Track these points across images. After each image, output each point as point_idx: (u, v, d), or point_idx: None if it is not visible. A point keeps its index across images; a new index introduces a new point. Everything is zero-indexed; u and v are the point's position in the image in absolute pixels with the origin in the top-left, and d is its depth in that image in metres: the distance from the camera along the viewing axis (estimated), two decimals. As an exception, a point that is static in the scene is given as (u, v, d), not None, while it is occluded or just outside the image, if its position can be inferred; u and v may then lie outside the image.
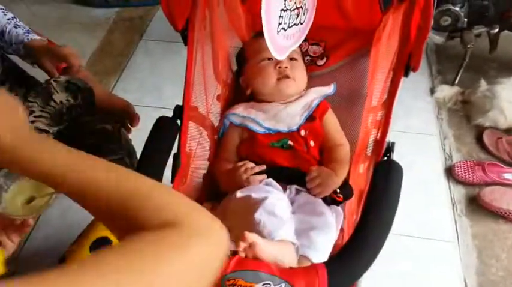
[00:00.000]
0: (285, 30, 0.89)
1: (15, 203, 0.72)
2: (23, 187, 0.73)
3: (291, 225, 0.85)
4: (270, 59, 1.10)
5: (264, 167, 0.99)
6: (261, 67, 1.11)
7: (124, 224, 0.46)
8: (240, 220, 0.86)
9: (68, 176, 0.50)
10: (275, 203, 0.86)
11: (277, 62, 1.09)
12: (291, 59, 1.11)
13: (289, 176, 1.00)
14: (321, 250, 0.85)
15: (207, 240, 0.44)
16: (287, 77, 1.09)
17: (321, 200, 0.96)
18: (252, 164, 0.99)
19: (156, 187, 0.49)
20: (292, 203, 0.97)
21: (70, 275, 0.35)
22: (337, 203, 0.98)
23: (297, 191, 0.99)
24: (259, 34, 1.17)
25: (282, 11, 0.84)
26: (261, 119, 1.06)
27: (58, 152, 0.52)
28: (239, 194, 0.91)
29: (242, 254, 0.70)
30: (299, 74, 1.12)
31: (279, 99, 1.10)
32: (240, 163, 0.99)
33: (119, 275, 0.36)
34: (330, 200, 0.97)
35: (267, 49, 1.02)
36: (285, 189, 0.99)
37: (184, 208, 0.47)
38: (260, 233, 0.77)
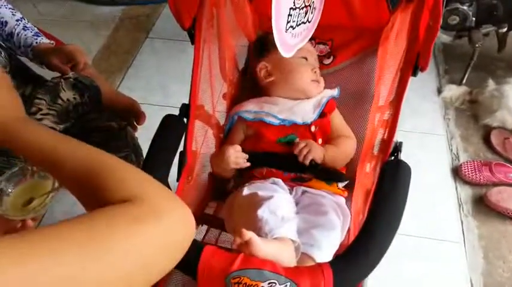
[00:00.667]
0: (293, 29, 0.89)
1: (15, 206, 0.73)
2: (24, 189, 0.74)
3: (293, 224, 0.84)
4: (306, 58, 1.12)
5: (246, 156, 1.00)
6: (299, 63, 1.11)
7: (90, 194, 0.48)
8: (244, 216, 0.86)
9: (46, 148, 0.54)
10: (279, 202, 0.86)
11: (314, 67, 1.12)
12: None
13: (287, 164, 1.01)
14: (324, 249, 0.84)
15: (167, 218, 0.44)
16: (318, 81, 1.12)
17: (325, 201, 0.96)
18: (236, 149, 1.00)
19: (124, 163, 0.51)
20: (297, 204, 0.97)
21: (23, 242, 0.36)
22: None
23: (303, 192, 0.99)
24: None
25: (291, 10, 0.83)
26: (275, 112, 1.06)
27: (41, 130, 0.58)
28: (246, 191, 0.92)
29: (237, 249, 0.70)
30: (321, 79, 1.15)
31: (297, 97, 1.11)
32: (225, 149, 1.00)
33: (71, 247, 0.37)
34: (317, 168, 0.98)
35: (303, 48, 1.04)
36: (291, 190, 0.99)
37: (148, 185, 0.48)
38: (261, 230, 0.77)
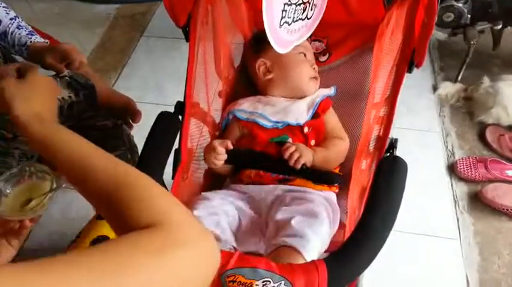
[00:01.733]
0: (289, 25, 0.88)
1: (14, 207, 0.73)
2: (22, 190, 0.75)
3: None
4: (304, 55, 1.12)
5: (225, 156, 0.99)
6: (299, 61, 1.11)
7: (116, 212, 0.47)
8: None
9: (76, 158, 0.54)
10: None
11: (312, 63, 1.12)
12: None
13: (277, 166, 1.00)
14: (305, 238, 0.80)
15: (191, 250, 0.42)
16: (316, 77, 1.12)
17: (310, 196, 0.94)
18: (221, 151, 0.98)
19: (153, 183, 0.50)
20: (276, 200, 0.96)
21: (39, 266, 0.35)
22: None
23: (286, 191, 0.98)
24: None
25: (286, 5, 0.83)
26: (268, 114, 1.06)
27: (73, 138, 0.59)
28: (196, 213, 0.90)
29: None
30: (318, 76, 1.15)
31: (293, 95, 1.10)
32: (215, 145, 0.98)
33: (87, 277, 0.35)
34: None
35: (303, 45, 1.06)
36: (274, 188, 0.99)
37: (175, 211, 0.46)
38: None
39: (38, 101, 0.64)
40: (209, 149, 0.99)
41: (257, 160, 1.01)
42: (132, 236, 0.42)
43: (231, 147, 0.98)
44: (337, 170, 1.06)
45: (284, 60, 1.10)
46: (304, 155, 0.95)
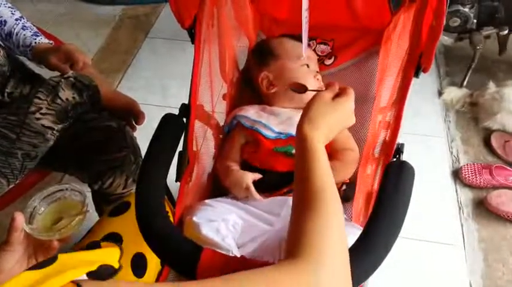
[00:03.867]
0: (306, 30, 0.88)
1: (44, 224, 0.75)
2: (53, 209, 0.76)
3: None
4: (308, 66, 1.10)
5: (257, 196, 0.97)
6: (302, 73, 1.09)
7: (294, 227, 0.51)
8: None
9: None
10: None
11: (315, 73, 1.10)
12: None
13: (286, 181, 0.98)
14: None
15: None
16: (320, 88, 1.09)
17: None
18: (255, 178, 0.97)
19: (336, 226, 0.53)
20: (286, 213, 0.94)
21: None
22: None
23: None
24: (288, 35, 1.16)
25: (306, 11, 0.83)
26: (272, 124, 1.04)
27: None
28: (195, 220, 0.88)
29: None
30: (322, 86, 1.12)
31: (299, 106, 1.06)
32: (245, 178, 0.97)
33: None
34: None
35: (306, 56, 1.05)
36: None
37: (331, 258, 0.48)
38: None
39: (332, 124, 0.69)
40: (240, 185, 0.97)
41: (281, 182, 0.98)
42: (274, 270, 0.44)
43: (259, 177, 0.97)
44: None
45: (287, 73, 1.09)
46: None
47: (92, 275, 0.42)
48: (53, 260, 0.39)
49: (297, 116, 1.05)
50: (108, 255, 0.43)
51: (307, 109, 0.70)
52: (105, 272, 0.43)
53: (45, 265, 0.38)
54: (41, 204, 0.75)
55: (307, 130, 0.66)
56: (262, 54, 1.15)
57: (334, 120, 0.69)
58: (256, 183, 0.96)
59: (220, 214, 0.89)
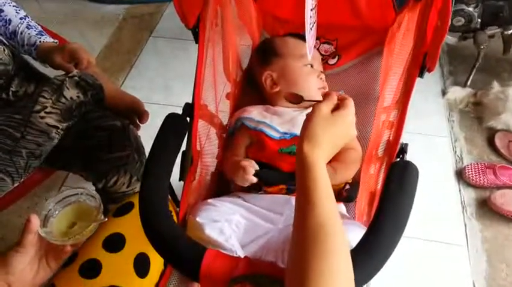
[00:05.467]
0: (311, 30, 0.88)
1: (59, 228, 0.75)
2: (68, 213, 0.76)
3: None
4: (311, 66, 1.10)
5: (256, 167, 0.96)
6: (306, 73, 1.09)
7: (297, 255, 0.52)
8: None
9: None
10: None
11: (319, 73, 1.10)
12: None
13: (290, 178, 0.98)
14: None
15: None
16: (324, 87, 1.10)
17: None
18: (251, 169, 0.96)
19: (341, 254, 0.52)
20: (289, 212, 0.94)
21: None
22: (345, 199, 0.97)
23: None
24: (293, 34, 1.16)
25: (310, 11, 0.83)
26: (276, 124, 1.03)
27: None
28: (198, 220, 0.88)
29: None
30: (326, 85, 1.12)
31: (303, 105, 1.08)
32: (244, 163, 0.96)
33: None
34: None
35: (311, 56, 1.03)
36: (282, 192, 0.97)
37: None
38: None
39: (334, 141, 0.66)
40: (238, 169, 0.95)
41: (284, 179, 0.98)
42: None
43: (257, 168, 0.96)
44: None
45: (290, 73, 1.08)
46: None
47: None
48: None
49: (300, 115, 1.06)
50: None
51: (306, 125, 0.66)
52: None
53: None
54: (55, 207, 0.76)
55: (307, 149, 0.63)
56: (266, 53, 1.15)
57: (335, 136, 0.66)
58: (260, 176, 0.96)
59: (223, 214, 0.88)
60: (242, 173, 0.94)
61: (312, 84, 1.08)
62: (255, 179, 0.94)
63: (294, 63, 1.09)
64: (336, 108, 0.69)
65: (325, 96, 0.70)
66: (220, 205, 0.91)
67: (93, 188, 1.11)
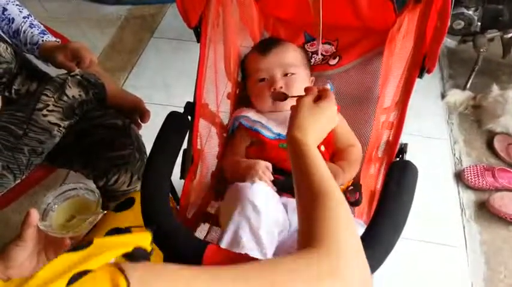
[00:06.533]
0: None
1: (58, 222, 0.75)
2: (67, 207, 0.77)
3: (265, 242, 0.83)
4: (263, 79, 1.10)
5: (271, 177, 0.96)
6: (258, 88, 1.10)
7: (305, 223, 0.54)
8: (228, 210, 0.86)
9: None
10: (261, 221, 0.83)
11: (271, 84, 1.07)
12: (286, 74, 1.09)
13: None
14: None
15: (344, 279, 0.45)
16: (285, 96, 1.04)
17: None
18: (268, 167, 0.96)
19: (344, 216, 0.54)
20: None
21: (209, 273, 0.40)
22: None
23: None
24: (255, 48, 1.17)
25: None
26: (271, 125, 1.05)
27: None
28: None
29: None
30: (298, 86, 1.06)
31: (284, 110, 1.08)
32: (259, 162, 0.97)
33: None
34: None
35: (261, 69, 1.07)
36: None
37: (344, 243, 0.50)
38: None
39: (320, 127, 0.72)
40: (254, 167, 0.96)
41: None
42: (294, 261, 0.46)
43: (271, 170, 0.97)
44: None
45: (249, 91, 1.14)
46: (340, 180, 0.94)
47: (127, 257, 0.43)
48: (88, 244, 0.40)
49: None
50: (141, 238, 0.44)
51: (293, 116, 0.72)
52: (139, 254, 0.44)
53: (81, 248, 0.39)
54: (54, 201, 0.76)
55: (298, 136, 0.68)
56: (242, 71, 1.22)
57: (320, 122, 0.72)
58: (277, 182, 0.96)
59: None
60: (258, 173, 0.95)
61: (264, 99, 1.09)
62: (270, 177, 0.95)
63: (250, 81, 1.14)
64: (318, 99, 0.76)
65: (307, 90, 0.79)
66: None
67: (94, 186, 1.11)
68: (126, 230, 0.49)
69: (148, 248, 0.47)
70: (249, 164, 0.98)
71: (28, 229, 0.69)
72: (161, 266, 0.38)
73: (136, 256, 0.42)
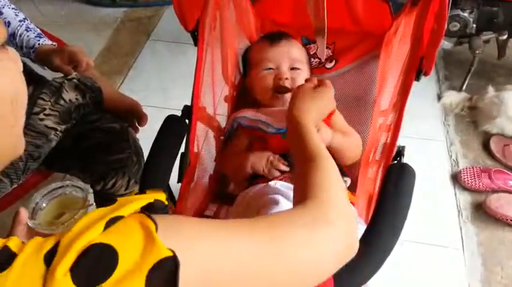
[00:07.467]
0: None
1: (46, 220, 0.76)
2: (56, 203, 0.77)
3: None
4: (270, 68, 1.09)
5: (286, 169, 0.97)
6: (262, 77, 1.10)
7: (300, 181, 0.59)
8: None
9: None
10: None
11: (277, 74, 1.08)
12: (293, 68, 1.09)
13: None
14: None
15: (335, 228, 0.50)
16: (287, 90, 1.06)
17: None
18: (276, 157, 0.98)
19: (334, 177, 0.60)
20: None
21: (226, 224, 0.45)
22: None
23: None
24: (264, 38, 1.17)
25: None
26: (270, 121, 1.05)
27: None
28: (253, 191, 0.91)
29: None
30: (301, 82, 1.03)
31: (282, 106, 1.09)
32: (266, 153, 0.98)
33: (259, 239, 0.43)
34: None
35: (269, 58, 1.06)
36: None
37: (334, 195, 0.55)
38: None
39: (318, 109, 0.78)
40: (262, 158, 0.98)
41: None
42: (290, 212, 0.52)
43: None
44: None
45: (251, 80, 1.13)
46: (322, 132, 0.93)
47: (148, 208, 0.46)
48: (114, 201, 0.43)
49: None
50: (158, 195, 0.47)
51: (293, 99, 0.79)
52: (159, 206, 0.47)
53: (107, 205, 0.42)
54: (42, 200, 0.77)
55: (297, 115, 0.73)
56: (243, 62, 1.20)
57: (318, 104, 0.78)
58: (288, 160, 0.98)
59: None
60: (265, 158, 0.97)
61: (266, 87, 1.09)
62: (282, 167, 0.97)
63: (253, 70, 1.13)
64: (317, 87, 0.83)
65: (308, 80, 0.85)
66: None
67: (82, 183, 1.11)
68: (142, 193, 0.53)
69: (166, 202, 0.50)
70: (255, 158, 0.99)
71: (18, 227, 0.70)
72: (182, 216, 0.42)
73: (157, 207, 0.46)
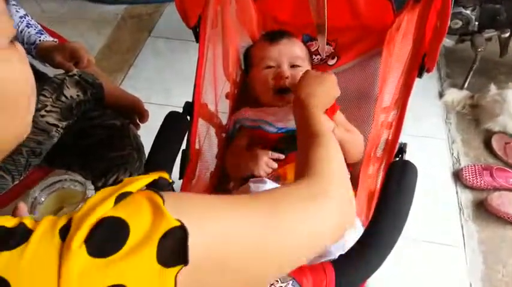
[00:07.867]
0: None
1: (46, 214, 0.75)
2: (55, 197, 0.77)
3: None
4: (269, 67, 1.09)
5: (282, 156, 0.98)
6: (262, 76, 1.09)
7: (303, 158, 0.61)
8: None
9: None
10: None
11: (277, 72, 1.07)
12: (293, 66, 1.09)
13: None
14: None
15: (330, 202, 0.52)
16: (287, 90, 1.05)
17: None
18: (271, 161, 0.98)
19: (334, 154, 0.62)
20: None
21: (230, 199, 0.46)
22: None
23: None
24: (265, 36, 1.17)
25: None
26: (272, 121, 1.05)
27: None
28: (252, 188, 0.91)
29: None
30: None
31: (282, 106, 1.08)
32: (259, 155, 0.98)
33: (259, 215, 0.44)
34: None
35: (269, 57, 1.06)
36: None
37: (332, 171, 0.57)
38: None
39: (324, 93, 0.82)
40: (259, 161, 0.98)
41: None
42: (290, 186, 0.54)
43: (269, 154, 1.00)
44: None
45: (252, 79, 1.14)
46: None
47: (153, 185, 0.48)
48: (119, 182, 0.45)
49: (292, 110, 1.06)
50: (162, 173, 0.48)
51: (299, 84, 0.82)
52: (163, 183, 0.50)
53: (112, 186, 0.44)
54: (41, 194, 0.76)
55: (304, 98, 0.77)
56: (245, 61, 1.21)
57: (324, 89, 0.82)
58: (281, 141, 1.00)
59: None
60: (261, 160, 0.97)
61: (266, 87, 1.09)
62: (276, 155, 0.98)
63: (256, 70, 1.12)
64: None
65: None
66: None
67: (80, 177, 1.11)
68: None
69: (170, 180, 0.52)
70: (251, 156, 0.99)
71: None
72: (187, 192, 0.45)
73: (161, 184, 0.47)
